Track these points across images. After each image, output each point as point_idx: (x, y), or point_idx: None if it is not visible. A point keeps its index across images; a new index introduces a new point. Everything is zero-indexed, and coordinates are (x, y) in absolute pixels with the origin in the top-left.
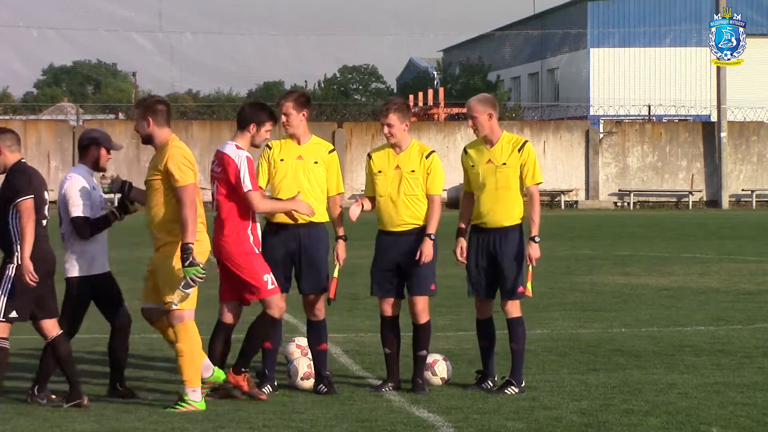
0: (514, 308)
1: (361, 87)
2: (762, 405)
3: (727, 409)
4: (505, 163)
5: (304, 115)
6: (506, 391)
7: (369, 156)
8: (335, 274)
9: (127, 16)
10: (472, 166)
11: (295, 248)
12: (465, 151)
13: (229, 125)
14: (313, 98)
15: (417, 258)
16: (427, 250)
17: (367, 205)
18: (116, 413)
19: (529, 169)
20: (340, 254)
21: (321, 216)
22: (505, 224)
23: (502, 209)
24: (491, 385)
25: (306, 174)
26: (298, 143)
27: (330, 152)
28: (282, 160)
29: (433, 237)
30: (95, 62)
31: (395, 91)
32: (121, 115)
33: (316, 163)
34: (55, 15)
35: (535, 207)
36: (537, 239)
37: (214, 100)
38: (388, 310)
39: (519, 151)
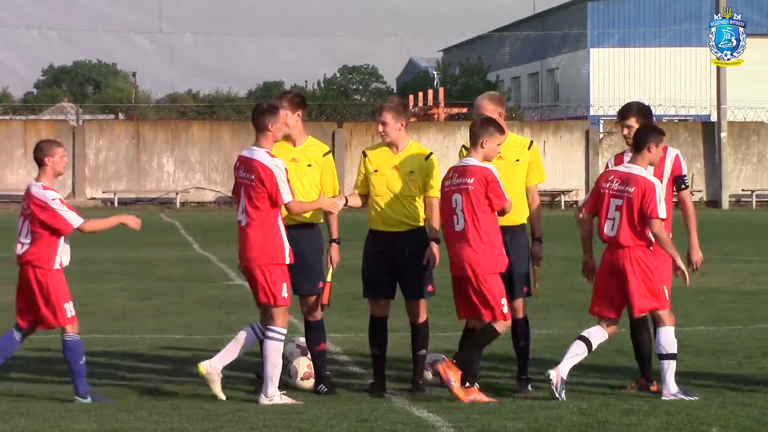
0: (522, 307)
1: (361, 87)
2: (762, 405)
3: (727, 409)
4: (518, 160)
5: (299, 115)
6: (530, 388)
7: (364, 154)
8: (328, 279)
9: (127, 17)
10: None
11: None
12: (466, 147)
13: (229, 125)
14: (313, 98)
15: (425, 263)
16: (435, 255)
17: (352, 201)
18: (116, 413)
19: (536, 168)
20: (334, 258)
21: (315, 218)
22: (513, 223)
23: (513, 207)
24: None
25: (299, 176)
26: (294, 145)
27: (325, 155)
28: None
29: (439, 241)
30: (95, 62)
31: (395, 91)
32: (121, 115)
33: (309, 165)
34: (55, 15)
35: (538, 207)
36: (542, 239)
37: (214, 100)
38: (379, 312)
39: (528, 149)
